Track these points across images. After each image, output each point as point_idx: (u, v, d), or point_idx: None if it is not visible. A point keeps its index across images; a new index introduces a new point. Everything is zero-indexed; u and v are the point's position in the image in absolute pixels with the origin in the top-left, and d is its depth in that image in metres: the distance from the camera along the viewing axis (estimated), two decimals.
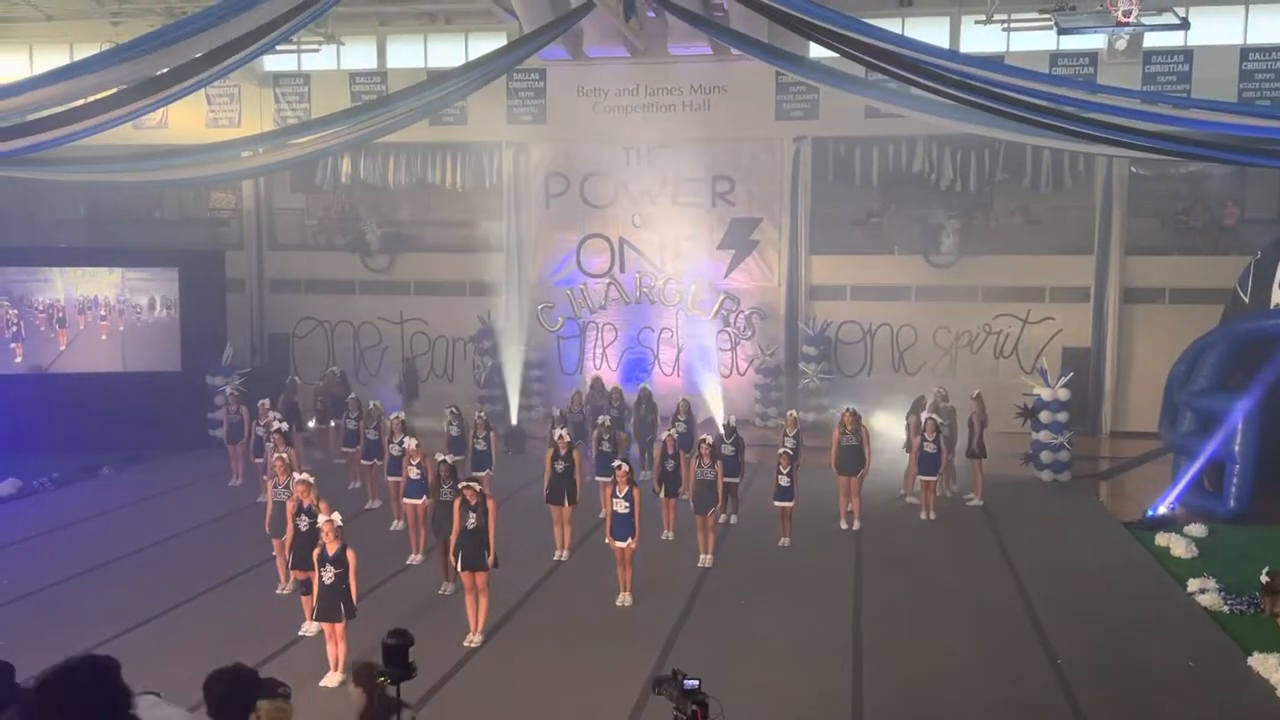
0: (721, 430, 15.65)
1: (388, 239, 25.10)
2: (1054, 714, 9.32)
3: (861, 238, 24.04)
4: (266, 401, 17.60)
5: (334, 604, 9.75)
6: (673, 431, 15.64)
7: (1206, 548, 14.30)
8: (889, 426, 19.54)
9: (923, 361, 23.21)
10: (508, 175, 24.41)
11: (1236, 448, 15.56)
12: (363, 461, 16.97)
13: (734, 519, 15.48)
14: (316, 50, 24.07)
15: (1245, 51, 21.49)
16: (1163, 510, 16.00)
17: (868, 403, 19.32)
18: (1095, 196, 22.55)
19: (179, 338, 21.66)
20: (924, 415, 16.29)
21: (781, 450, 14.70)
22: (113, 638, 10.34)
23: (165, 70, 13.41)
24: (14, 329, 20.90)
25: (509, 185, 24.41)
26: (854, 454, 15.39)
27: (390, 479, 15.15)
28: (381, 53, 24.91)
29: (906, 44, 14.06)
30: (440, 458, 12.64)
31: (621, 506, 11.98)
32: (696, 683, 5.76)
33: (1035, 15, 20.71)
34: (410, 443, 14.06)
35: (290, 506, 11.31)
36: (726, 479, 14.41)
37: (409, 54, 24.73)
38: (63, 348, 21.18)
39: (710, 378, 22.67)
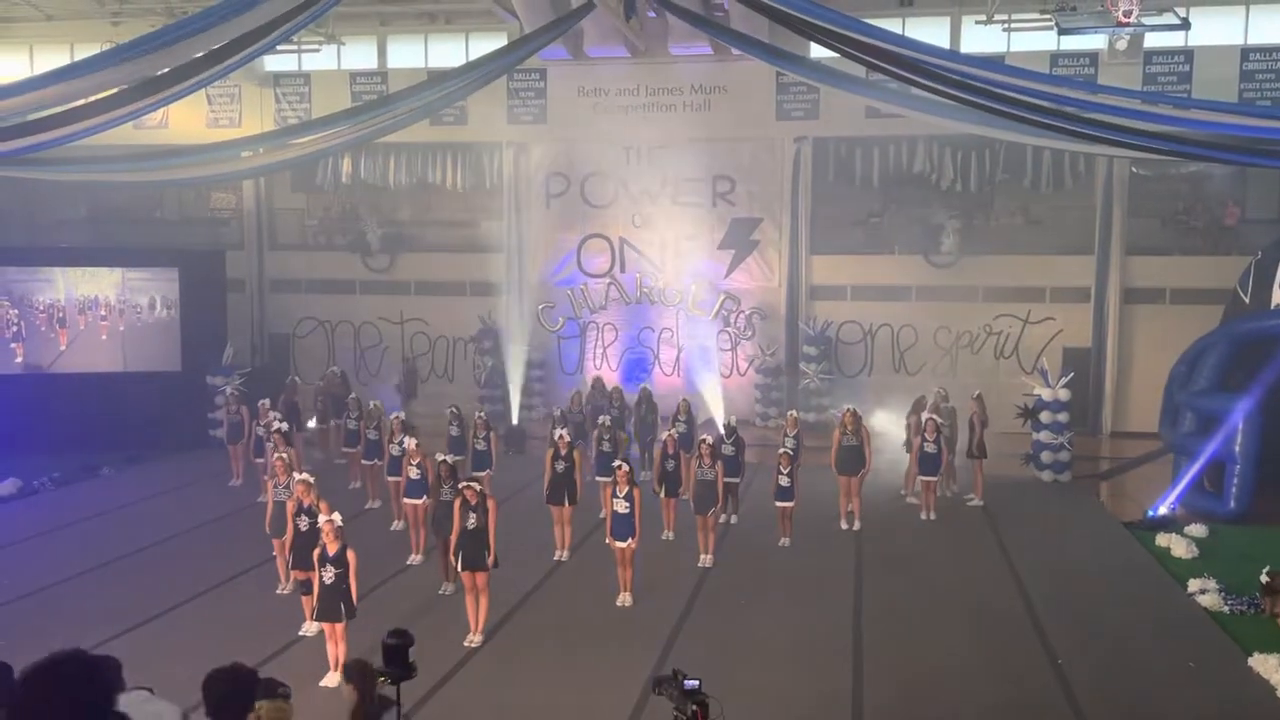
0: (722, 430, 15.65)
1: (388, 239, 25.10)
2: (1054, 714, 9.32)
3: (862, 238, 24.04)
4: (267, 401, 17.60)
5: (334, 604, 9.75)
6: (673, 431, 15.64)
7: (1207, 548, 14.30)
8: (889, 427, 19.55)
9: (923, 362, 23.21)
10: (508, 175, 24.41)
11: (1237, 448, 15.56)
12: (363, 461, 16.97)
13: (734, 519, 15.47)
14: (317, 50, 24.08)
15: (1246, 52, 21.49)
16: (1163, 510, 16.00)
17: (868, 403, 19.33)
18: (1096, 197, 22.54)
19: (179, 338, 21.66)
20: (924, 415, 16.28)
21: (782, 450, 14.70)
22: (113, 638, 10.34)
23: (166, 70, 13.41)
24: (14, 329, 20.91)
25: (509, 185, 24.40)
26: (854, 454, 15.39)
27: (390, 479, 15.15)
28: (382, 53, 24.91)
29: (907, 44, 14.06)
30: (440, 458, 12.64)
31: (622, 506, 11.98)
32: (696, 683, 5.75)
33: (1036, 15, 20.72)
34: (410, 442, 14.07)
35: (290, 506, 11.31)
36: (727, 479, 14.41)
37: (409, 54, 24.73)
38: (63, 348, 21.18)
39: (710, 378, 22.66)
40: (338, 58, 24.68)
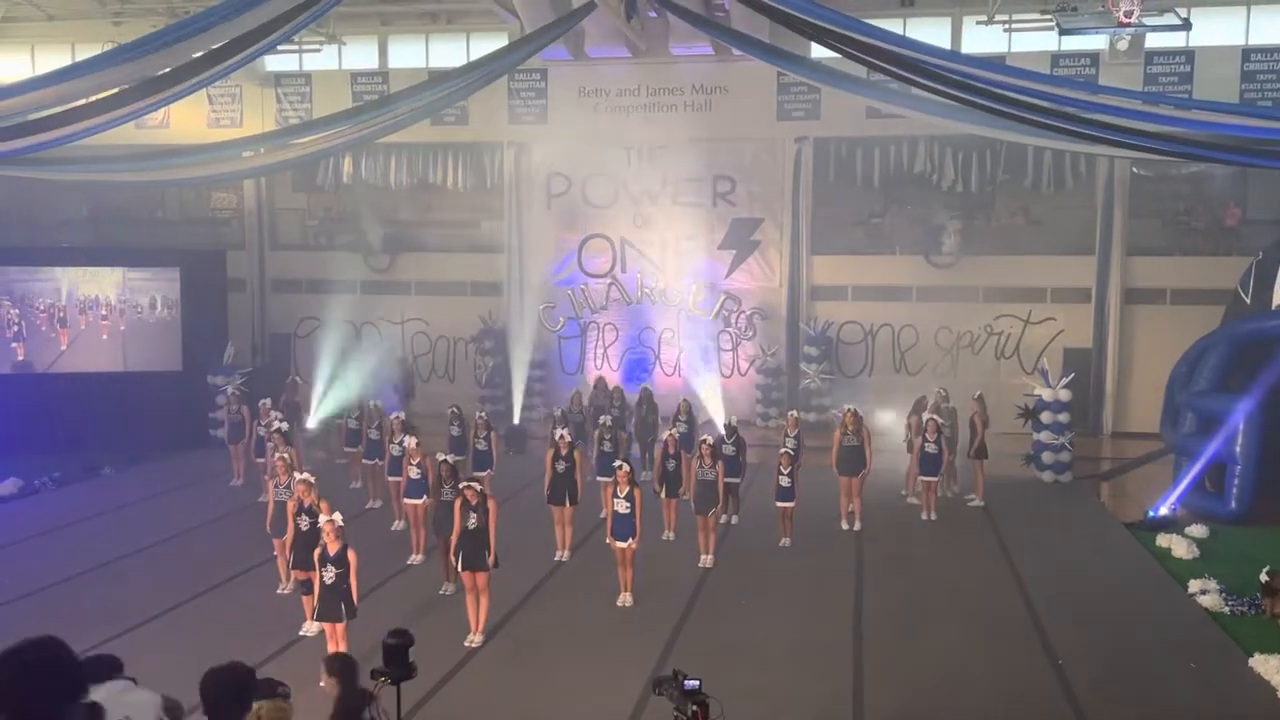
0: (722, 430, 15.64)
1: (389, 239, 25.12)
2: (1055, 715, 9.31)
3: (863, 238, 24.06)
4: (268, 401, 17.62)
5: (335, 604, 9.75)
6: (674, 432, 15.64)
7: (1208, 549, 14.29)
8: (890, 427, 19.54)
9: (924, 362, 23.22)
10: (509, 175, 24.43)
11: (1238, 449, 15.55)
12: (364, 461, 16.97)
13: (735, 519, 15.46)
14: (318, 50, 24.11)
15: (1247, 52, 21.50)
16: (1164, 511, 15.98)
17: (869, 403, 19.34)
18: (1097, 197, 22.55)
19: (180, 337, 21.68)
20: (925, 416, 16.27)
21: (782, 450, 14.69)
22: (113, 638, 10.33)
23: (167, 70, 13.41)
24: (15, 328, 20.93)
25: (510, 185, 24.43)
26: (855, 454, 15.38)
27: (391, 479, 15.16)
28: (383, 53, 24.94)
29: (908, 44, 14.04)
30: (441, 457, 12.63)
31: (622, 507, 11.98)
32: (697, 683, 5.75)
33: (1037, 16, 20.74)
34: (411, 441, 14.06)
35: (291, 506, 11.30)
36: (727, 479, 14.40)
37: (410, 54, 24.75)
38: (64, 347, 21.20)
39: (711, 378, 22.67)
40: (339, 58, 24.71)
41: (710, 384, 22.18)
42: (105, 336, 21.44)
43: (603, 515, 13.75)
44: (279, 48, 19.94)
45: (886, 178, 23.17)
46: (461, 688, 9.75)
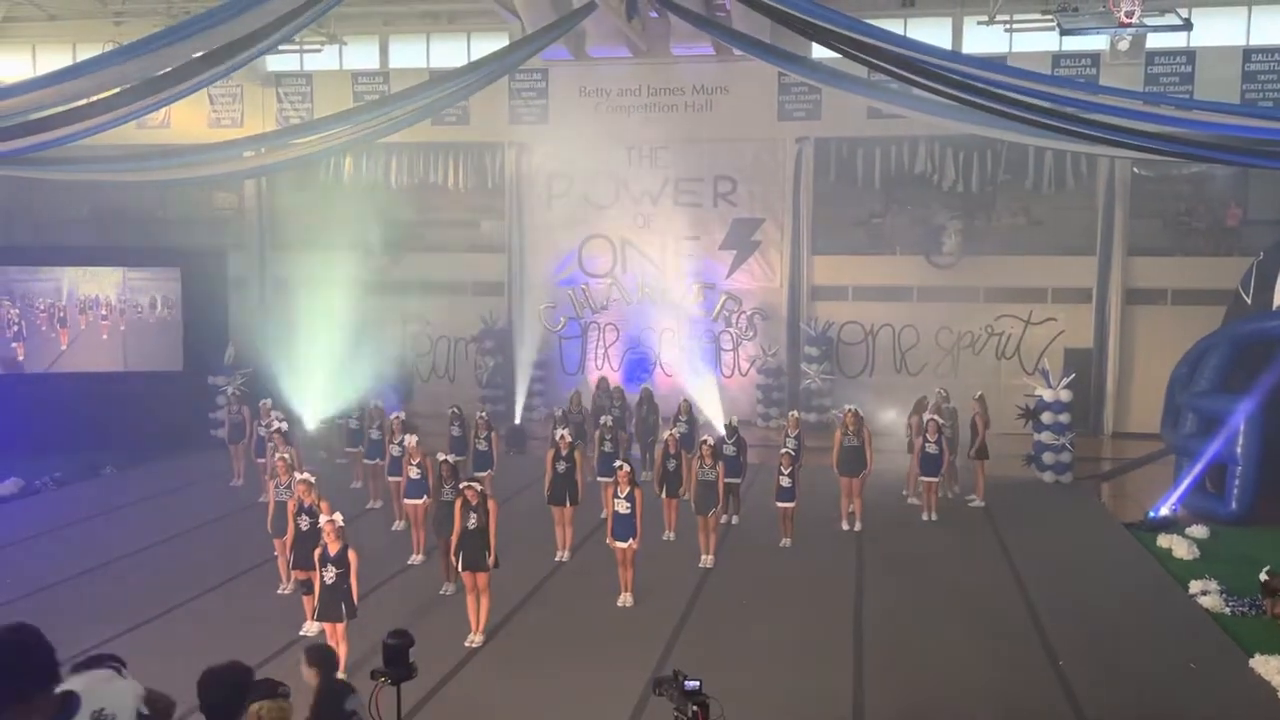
0: (723, 431, 15.64)
1: (390, 239, 25.10)
2: (1055, 715, 9.30)
3: (863, 238, 24.06)
4: (268, 401, 17.62)
5: (335, 604, 9.75)
6: (674, 432, 15.64)
7: (1208, 549, 14.29)
8: (891, 427, 19.53)
9: (924, 362, 23.22)
10: (510, 175, 24.44)
11: (1238, 449, 15.54)
12: (365, 461, 16.97)
13: (735, 520, 15.46)
14: (319, 50, 24.12)
15: (1248, 53, 21.50)
16: (1164, 512, 15.98)
17: (869, 403, 19.34)
18: (1097, 197, 22.55)
19: (181, 337, 21.68)
20: (926, 416, 16.27)
21: (783, 451, 14.69)
22: (113, 638, 10.33)
23: (168, 70, 13.41)
24: (15, 328, 20.93)
25: (511, 185, 24.44)
26: (856, 455, 15.37)
27: (391, 479, 15.16)
28: (384, 53, 24.94)
29: (908, 45, 14.04)
30: (442, 458, 12.63)
31: (623, 507, 11.98)
32: (697, 684, 5.75)
33: (1037, 16, 20.74)
34: (411, 440, 14.05)
35: (291, 506, 11.31)
36: (728, 479, 14.40)
37: (411, 54, 24.76)
38: (64, 347, 21.20)
39: (712, 378, 22.67)
40: (340, 58, 24.71)
41: (711, 384, 22.18)
42: (105, 336, 21.45)
43: (603, 515, 13.74)
44: (280, 48, 19.97)
45: (887, 178, 23.17)
46: (461, 688, 9.74)
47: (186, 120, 23.63)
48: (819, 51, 18.75)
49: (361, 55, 24.87)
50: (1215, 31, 21.37)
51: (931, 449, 15.81)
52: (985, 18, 21.14)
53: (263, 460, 16.23)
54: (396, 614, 10.88)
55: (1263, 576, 11.78)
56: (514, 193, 24.42)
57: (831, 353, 23.34)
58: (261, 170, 22.32)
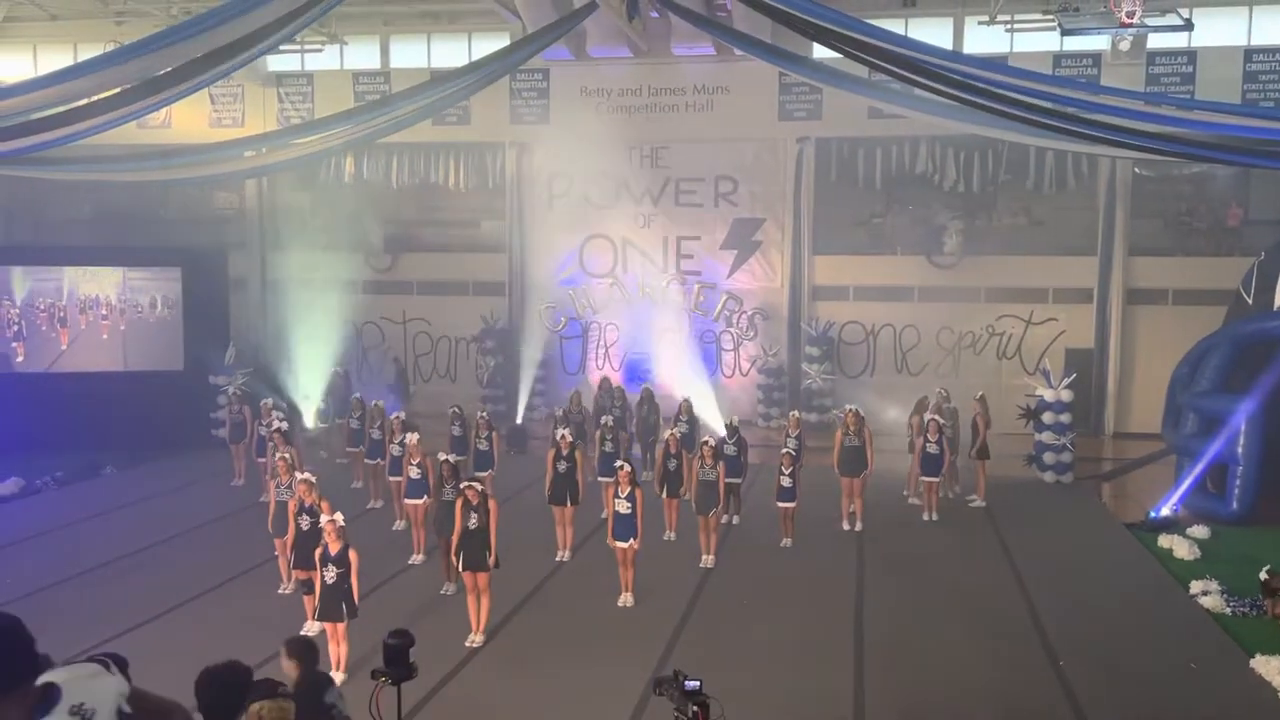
0: (724, 431, 15.64)
1: (391, 239, 25.11)
2: (1055, 715, 9.30)
3: (864, 238, 24.05)
4: (269, 401, 17.62)
5: (336, 604, 9.75)
6: (675, 432, 15.63)
7: (1209, 549, 14.28)
8: (892, 427, 19.52)
9: (925, 362, 23.21)
10: (511, 175, 24.43)
11: (1239, 449, 15.54)
12: (366, 461, 16.97)
13: (736, 519, 15.46)
14: (320, 50, 24.10)
15: (1249, 53, 21.47)
16: (1165, 512, 15.97)
17: (870, 404, 19.33)
18: (1098, 197, 22.53)
19: (181, 337, 21.68)
20: (926, 416, 16.27)
21: (784, 451, 14.70)
22: (113, 638, 10.34)
23: (169, 70, 13.41)
24: (15, 328, 20.93)
25: (512, 185, 24.43)
26: (856, 455, 15.37)
27: (391, 479, 15.16)
28: (385, 53, 24.93)
29: (909, 45, 14.03)
30: (442, 457, 12.64)
31: (623, 507, 11.98)
32: (698, 684, 5.74)
33: (1039, 16, 20.70)
34: (412, 438, 14.05)
35: (292, 506, 11.32)
36: (729, 479, 14.41)
37: (412, 54, 24.74)
38: (64, 347, 21.20)
39: (712, 378, 22.65)
40: (340, 58, 24.70)
41: (711, 384, 22.17)
42: (105, 336, 21.45)
43: (604, 515, 13.75)
44: (281, 47, 19.96)
45: (888, 178, 23.16)
46: (462, 688, 9.75)
47: (187, 120, 23.63)
48: (820, 51, 18.74)
49: (362, 55, 24.86)
50: (1216, 32, 21.35)
51: (932, 449, 15.81)
52: (986, 18, 21.11)
53: (263, 460, 16.24)
54: (397, 614, 10.88)
55: (1263, 576, 11.78)
56: (515, 193, 24.41)
57: (832, 353, 23.33)
58: (262, 170, 22.32)
